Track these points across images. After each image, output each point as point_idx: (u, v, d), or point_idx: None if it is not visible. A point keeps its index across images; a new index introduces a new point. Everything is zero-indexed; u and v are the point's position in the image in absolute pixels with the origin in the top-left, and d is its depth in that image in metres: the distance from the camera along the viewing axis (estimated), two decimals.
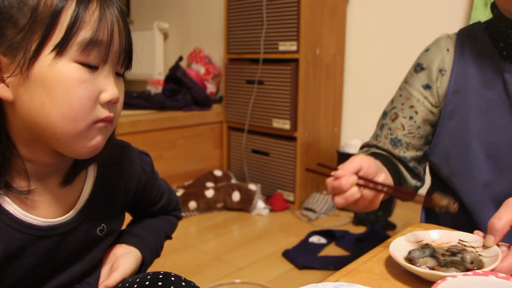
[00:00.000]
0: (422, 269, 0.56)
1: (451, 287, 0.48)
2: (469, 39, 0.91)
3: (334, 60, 2.52)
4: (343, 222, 2.26)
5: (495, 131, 0.84)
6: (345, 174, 0.66)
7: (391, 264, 0.63)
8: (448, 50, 0.92)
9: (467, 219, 0.89)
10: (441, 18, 2.20)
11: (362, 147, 1.03)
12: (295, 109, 2.38)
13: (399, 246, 0.63)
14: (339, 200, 0.66)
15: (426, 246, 0.63)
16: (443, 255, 0.61)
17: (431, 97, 0.93)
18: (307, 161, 2.45)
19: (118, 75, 0.60)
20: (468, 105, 0.87)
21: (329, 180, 0.68)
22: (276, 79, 2.43)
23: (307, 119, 2.42)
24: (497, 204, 0.83)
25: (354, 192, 0.66)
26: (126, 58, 0.59)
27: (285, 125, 2.42)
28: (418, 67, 0.96)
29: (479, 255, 0.60)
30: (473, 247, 0.63)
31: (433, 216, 1.00)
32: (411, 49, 2.32)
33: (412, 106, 0.94)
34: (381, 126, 1.00)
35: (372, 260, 0.65)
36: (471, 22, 2.04)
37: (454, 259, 0.59)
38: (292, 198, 2.47)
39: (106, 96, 0.56)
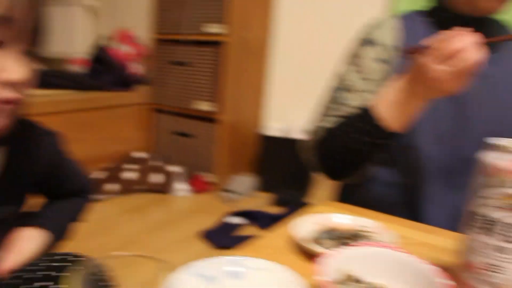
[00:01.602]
0: (319, 248, 0.60)
1: (337, 259, 0.51)
2: (415, 23, 0.93)
3: (261, 43, 2.55)
4: (261, 203, 2.33)
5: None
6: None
7: (293, 241, 0.66)
8: (398, 29, 0.92)
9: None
10: (368, 3, 2.30)
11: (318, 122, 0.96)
12: (219, 91, 2.39)
13: (302, 226, 0.66)
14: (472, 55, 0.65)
15: (332, 229, 0.67)
16: (348, 238, 0.65)
17: (386, 72, 0.92)
18: (229, 143, 2.48)
19: (28, 53, 0.57)
20: None
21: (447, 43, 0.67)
22: (201, 61, 2.42)
23: (231, 101, 2.44)
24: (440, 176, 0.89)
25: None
26: (35, 36, 0.56)
27: (209, 107, 2.42)
28: (366, 42, 0.93)
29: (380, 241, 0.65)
30: (372, 232, 0.68)
31: (347, 194, 1.03)
32: (337, 33, 2.40)
33: (364, 79, 0.92)
34: (335, 99, 0.94)
35: (271, 236, 0.68)
36: (393, 8, 2.15)
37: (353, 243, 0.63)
38: (213, 179, 2.49)
39: (6, 75, 0.53)
